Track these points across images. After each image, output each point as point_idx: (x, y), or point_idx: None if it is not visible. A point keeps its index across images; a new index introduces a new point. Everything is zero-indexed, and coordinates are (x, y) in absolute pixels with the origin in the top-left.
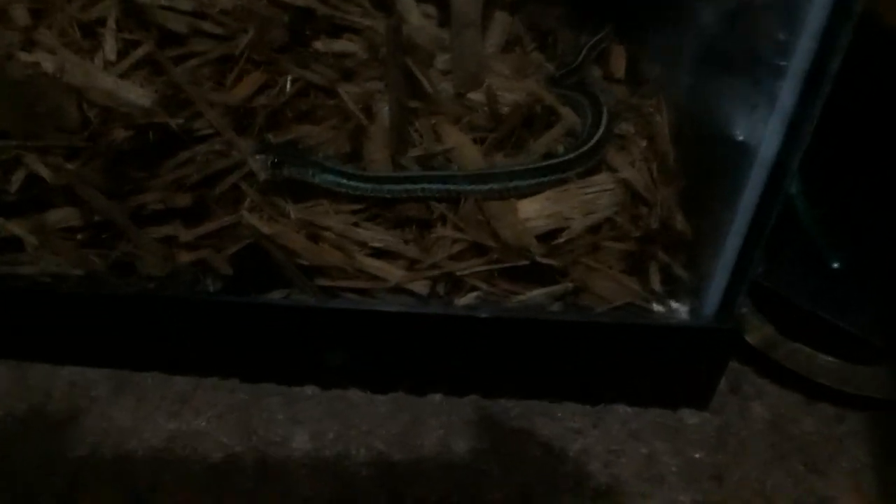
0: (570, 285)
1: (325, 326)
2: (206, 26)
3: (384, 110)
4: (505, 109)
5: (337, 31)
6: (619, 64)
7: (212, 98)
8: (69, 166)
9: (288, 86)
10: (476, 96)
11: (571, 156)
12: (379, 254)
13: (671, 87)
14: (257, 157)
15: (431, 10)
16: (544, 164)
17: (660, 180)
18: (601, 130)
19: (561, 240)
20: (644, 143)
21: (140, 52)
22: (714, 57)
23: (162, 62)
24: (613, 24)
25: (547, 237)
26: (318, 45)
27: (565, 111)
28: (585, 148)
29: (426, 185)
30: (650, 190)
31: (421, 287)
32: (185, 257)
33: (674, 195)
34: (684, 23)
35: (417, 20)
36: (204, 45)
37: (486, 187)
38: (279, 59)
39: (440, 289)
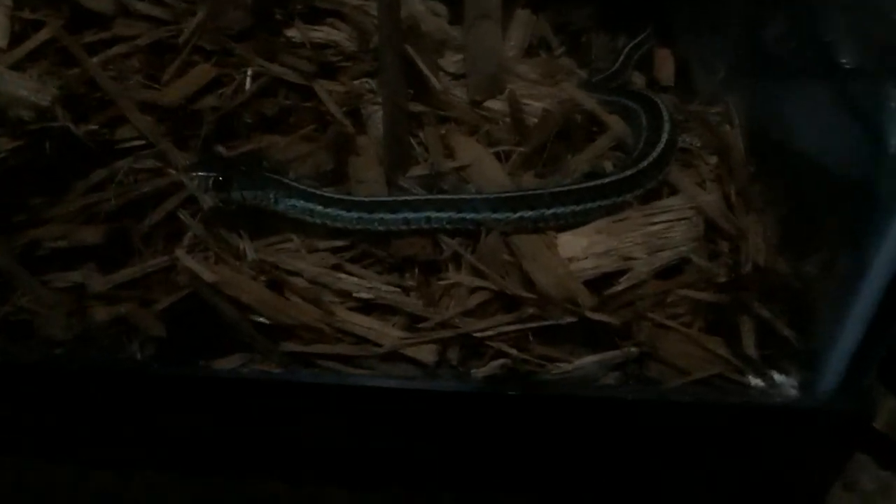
0: (633, 350)
1: (295, 407)
2: (141, 6)
3: (377, 115)
4: (532, 120)
5: (317, 14)
6: (666, 69)
7: (139, 97)
8: None
9: (248, 83)
10: (495, 104)
11: (628, 173)
12: (368, 308)
13: (740, 94)
14: (196, 174)
15: (441, 8)
16: (593, 184)
17: (740, 207)
18: (663, 141)
19: (619, 287)
20: (714, 160)
21: (42, 35)
22: (818, 54)
23: (71, 49)
24: (654, 25)
25: (599, 284)
26: (292, 32)
27: (612, 119)
28: (645, 164)
29: (433, 214)
30: (730, 219)
31: (426, 354)
32: (100, 314)
33: (759, 227)
34: (763, 16)
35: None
36: (133, 29)
37: (514, 216)
38: (236, 49)
39: (452, 356)
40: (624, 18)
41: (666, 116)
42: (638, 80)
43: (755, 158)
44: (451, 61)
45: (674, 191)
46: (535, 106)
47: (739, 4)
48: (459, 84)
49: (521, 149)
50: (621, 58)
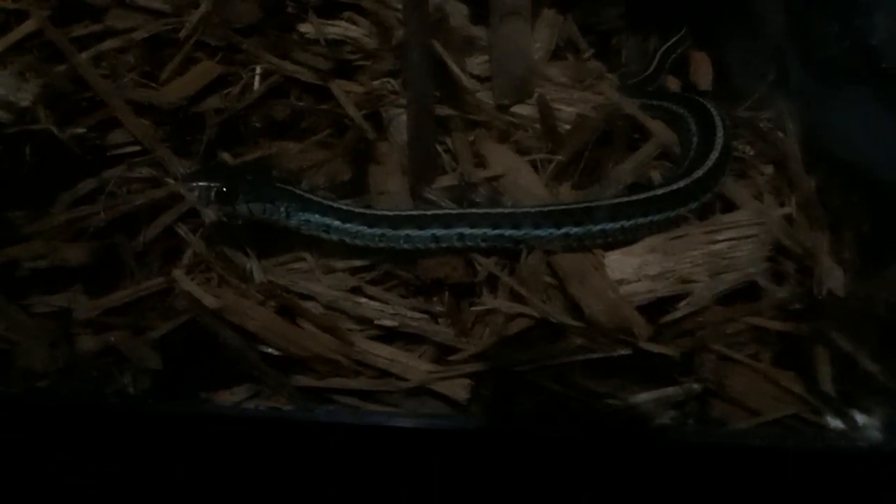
0: (694, 387)
1: (309, 448)
2: None
3: (400, 119)
4: (564, 126)
5: (333, 7)
6: (703, 72)
7: (134, 97)
8: None
9: (256, 82)
10: (523, 110)
11: (682, 184)
12: (391, 336)
13: (794, 98)
14: (196, 185)
15: (461, 7)
16: (644, 196)
17: (803, 222)
18: (717, 148)
19: (677, 314)
20: (770, 169)
21: (26, 27)
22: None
23: (58, 42)
24: (689, 25)
25: (654, 310)
26: (306, 27)
27: (656, 125)
28: (700, 173)
29: (466, 230)
30: (794, 237)
31: (458, 390)
32: (87, 343)
33: (827, 245)
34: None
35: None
36: (129, 21)
37: (559, 232)
38: (244, 45)
39: (488, 392)
40: (656, 19)
41: (719, 121)
42: (672, 84)
43: (815, 168)
44: (474, 63)
45: (728, 204)
46: (566, 111)
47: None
48: (485, 87)
49: (559, 157)
50: (655, 61)
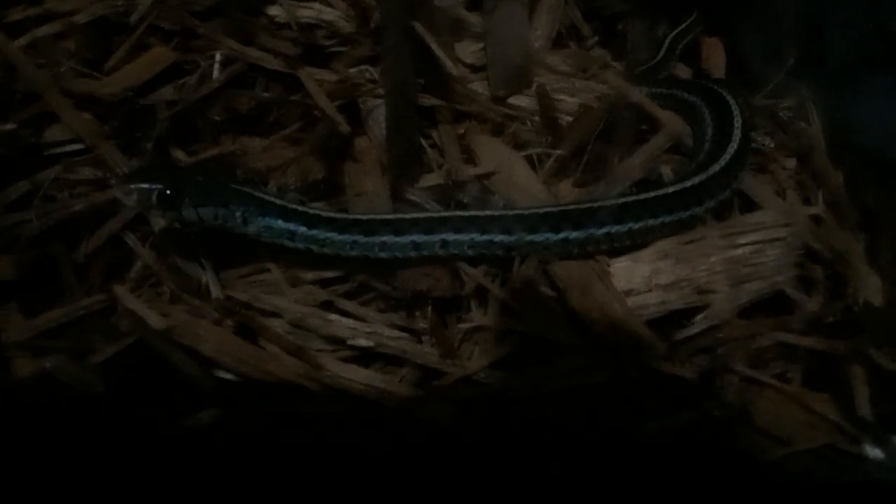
0: (716, 413)
1: (275, 475)
2: None
3: (378, 110)
4: (566, 119)
5: None
6: (716, 58)
7: (74, 88)
8: None
9: (216, 71)
10: (522, 101)
11: (697, 180)
12: (368, 358)
13: (817, 86)
14: (134, 187)
15: None
16: (654, 195)
17: (831, 222)
18: (735, 141)
19: (694, 329)
20: (792, 163)
21: None
22: None
23: None
24: (699, 9)
25: (667, 325)
26: (276, 9)
27: (666, 115)
28: (717, 168)
29: (450, 236)
30: (823, 239)
31: (443, 416)
32: (21, 368)
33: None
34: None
35: None
36: (70, 3)
37: (557, 237)
38: (202, 29)
39: (476, 420)
40: (665, 3)
41: (736, 111)
42: (683, 72)
43: (843, 161)
44: (469, 51)
45: (748, 202)
46: (568, 102)
47: None
48: (479, 77)
49: (559, 152)
50: (664, 47)
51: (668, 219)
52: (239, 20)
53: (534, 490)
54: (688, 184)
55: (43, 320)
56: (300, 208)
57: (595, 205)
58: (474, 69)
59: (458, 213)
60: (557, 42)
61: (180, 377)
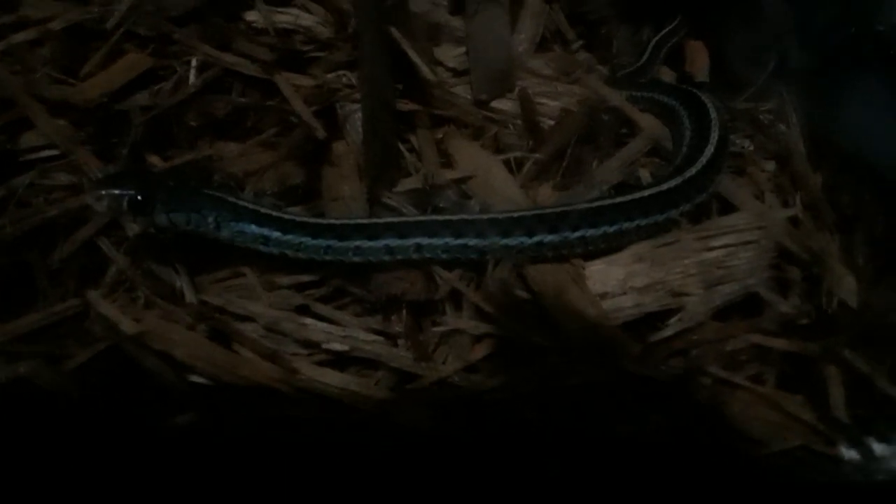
0: (690, 415)
1: (253, 479)
2: None
3: (356, 115)
4: (547, 122)
5: None
6: (700, 62)
7: (48, 94)
8: None
9: (192, 76)
10: (504, 104)
11: (673, 184)
12: (344, 362)
13: (797, 89)
14: (105, 192)
15: None
16: (629, 199)
17: (808, 224)
18: (712, 143)
19: (668, 331)
20: (771, 166)
21: None
22: None
23: None
24: (683, 14)
25: (642, 327)
26: (254, 15)
27: (645, 119)
28: (693, 171)
29: (424, 240)
30: (800, 240)
31: (419, 418)
32: None
33: (837, 249)
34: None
35: None
36: (46, 10)
37: (531, 241)
38: (177, 34)
39: (451, 423)
40: (648, 7)
41: (713, 114)
42: (667, 75)
43: (821, 164)
44: (451, 55)
45: (726, 205)
46: (550, 106)
47: None
48: (461, 81)
49: (537, 155)
50: (648, 51)
51: (643, 222)
52: (216, 25)
53: (514, 491)
54: (664, 187)
55: (17, 325)
56: (274, 213)
57: (569, 208)
58: (456, 73)
59: (433, 217)
60: (542, 46)
61: (155, 382)
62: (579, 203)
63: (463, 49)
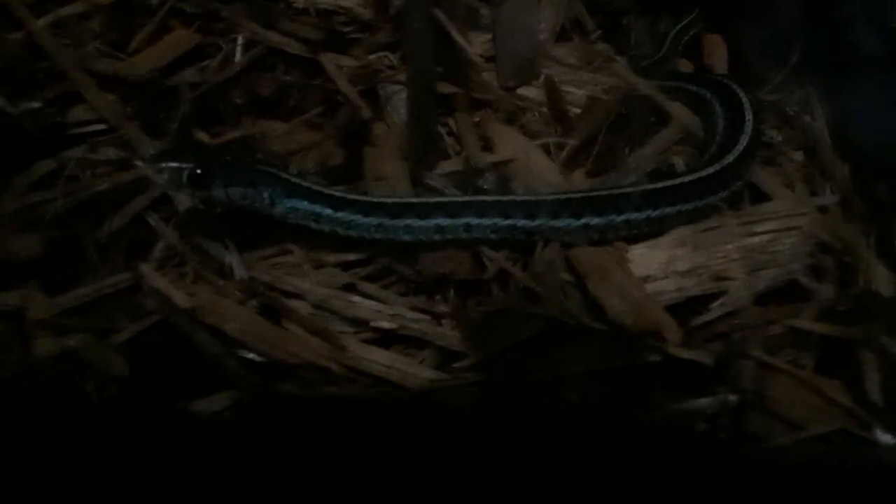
0: (731, 398)
1: (295, 463)
2: None
3: (397, 97)
4: (573, 110)
5: None
6: (718, 54)
7: (98, 68)
8: None
9: (238, 54)
10: (529, 92)
11: (712, 170)
12: (389, 340)
13: (821, 82)
14: (166, 166)
15: None
16: (672, 184)
17: (837, 214)
18: (747, 132)
19: (711, 315)
20: (799, 156)
21: None
22: None
23: (12, 6)
24: (700, 6)
25: (683, 311)
26: None
27: (676, 108)
28: (731, 159)
29: (474, 220)
30: (832, 229)
31: (464, 399)
32: (44, 347)
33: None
34: None
35: None
36: None
37: (578, 223)
38: (224, 12)
39: (496, 403)
40: (664, 1)
41: (747, 104)
42: (685, 67)
43: (849, 154)
44: (478, 42)
45: (757, 194)
46: (576, 94)
47: None
48: (488, 68)
49: (572, 141)
50: (667, 43)
51: (684, 207)
52: (259, 5)
53: (558, 474)
54: (703, 174)
55: (68, 298)
56: (325, 190)
57: (615, 192)
58: (484, 60)
59: (482, 197)
60: (561, 36)
61: (202, 357)
62: (624, 187)
63: (489, 36)
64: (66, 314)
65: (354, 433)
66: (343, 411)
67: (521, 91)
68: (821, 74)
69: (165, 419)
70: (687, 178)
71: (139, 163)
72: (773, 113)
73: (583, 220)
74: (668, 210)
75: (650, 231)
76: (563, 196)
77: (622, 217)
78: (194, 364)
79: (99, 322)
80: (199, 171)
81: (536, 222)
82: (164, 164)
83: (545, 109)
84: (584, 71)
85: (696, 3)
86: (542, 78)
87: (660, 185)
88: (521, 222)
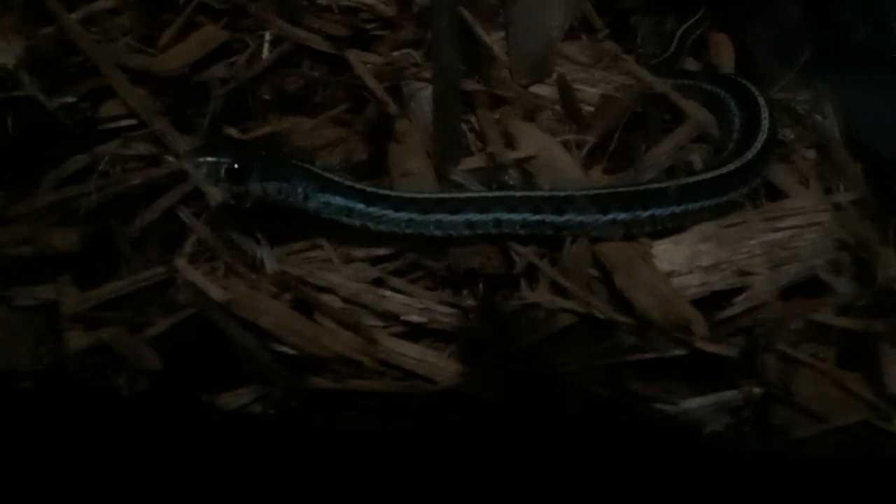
0: (755, 391)
1: (326, 459)
2: None
3: (422, 94)
4: (587, 108)
5: None
6: (725, 53)
7: (130, 63)
8: None
9: (265, 50)
10: (542, 89)
11: (733, 167)
12: (418, 333)
13: (831, 80)
14: (204, 160)
15: None
16: (694, 181)
17: (852, 210)
18: (764, 130)
19: (735, 310)
20: (812, 154)
21: None
22: None
23: (45, 1)
24: (707, 6)
25: (708, 305)
26: None
27: (691, 106)
28: (750, 156)
29: (503, 215)
30: (848, 226)
31: (493, 391)
32: (77, 340)
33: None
34: None
35: None
36: None
37: (605, 218)
38: (251, 8)
39: (524, 396)
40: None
41: (762, 102)
42: (692, 66)
43: (861, 152)
44: (491, 40)
45: (773, 190)
46: (589, 92)
47: None
48: (501, 66)
49: (591, 139)
50: (675, 41)
51: (707, 203)
52: (285, 1)
53: (586, 466)
54: (723, 171)
55: (100, 292)
56: (357, 185)
57: (640, 188)
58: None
59: (511, 193)
60: (569, 34)
61: (237, 350)
62: (648, 184)
63: (501, 34)
64: (99, 308)
65: (383, 426)
66: (372, 405)
67: (534, 89)
68: (830, 74)
69: (193, 413)
70: (709, 175)
71: (170, 158)
72: (783, 111)
73: (610, 216)
74: (691, 206)
75: (673, 226)
76: (591, 192)
77: (648, 213)
78: (225, 358)
79: (132, 316)
80: (236, 165)
81: (564, 217)
82: (202, 159)
83: (558, 107)
84: (596, 69)
85: (702, 2)
86: (554, 76)
87: (684, 181)
88: (550, 218)
